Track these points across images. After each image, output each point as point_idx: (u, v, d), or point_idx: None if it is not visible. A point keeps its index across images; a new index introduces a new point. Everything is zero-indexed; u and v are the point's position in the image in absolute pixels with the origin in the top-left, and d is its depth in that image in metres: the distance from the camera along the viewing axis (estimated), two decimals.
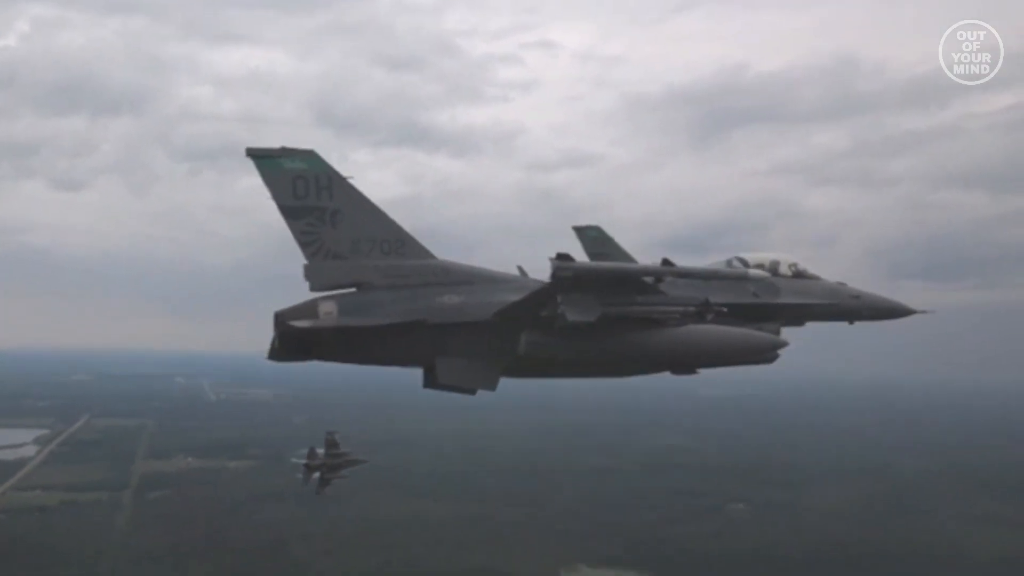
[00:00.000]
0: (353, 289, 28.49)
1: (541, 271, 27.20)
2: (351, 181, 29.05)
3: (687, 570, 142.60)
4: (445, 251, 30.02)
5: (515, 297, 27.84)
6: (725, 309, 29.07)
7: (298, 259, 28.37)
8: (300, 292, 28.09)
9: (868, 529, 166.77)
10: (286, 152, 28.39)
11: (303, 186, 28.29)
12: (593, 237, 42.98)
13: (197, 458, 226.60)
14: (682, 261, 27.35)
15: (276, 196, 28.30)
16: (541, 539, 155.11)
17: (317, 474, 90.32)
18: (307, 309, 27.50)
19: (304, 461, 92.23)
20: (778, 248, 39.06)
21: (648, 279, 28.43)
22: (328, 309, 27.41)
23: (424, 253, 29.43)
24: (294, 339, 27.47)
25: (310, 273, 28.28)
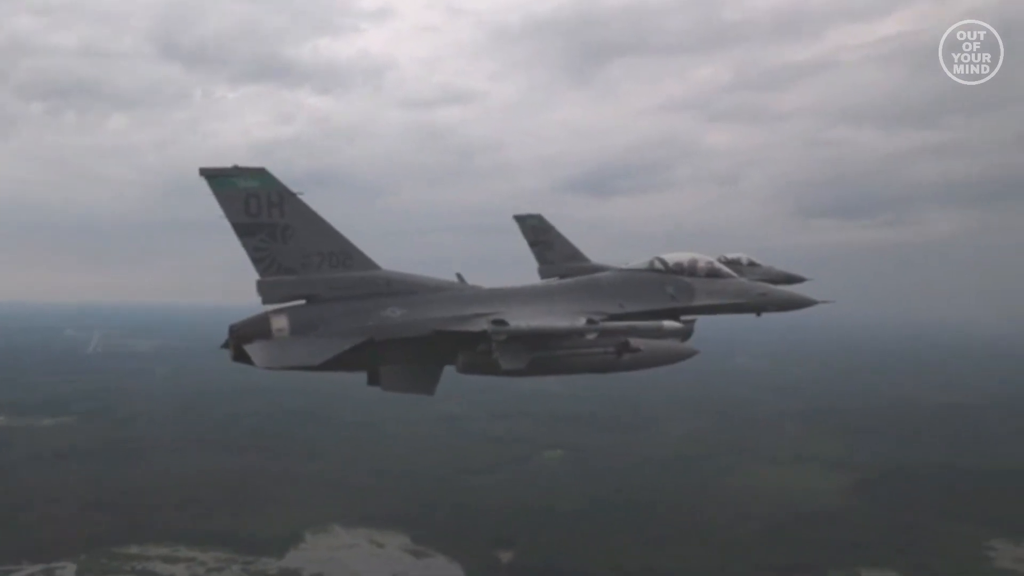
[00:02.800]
0: (303, 301, 30.14)
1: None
2: (301, 197, 30.21)
3: (454, 524, 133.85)
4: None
5: (454, 313, 30.54)
6: (641, 349, 31.00)
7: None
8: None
9: (671, 476, 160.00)
10: (239, 171, 29.51)
11: (255, 204, 29.65)
12: (533, 226, 46.73)
13: (12, 415, 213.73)
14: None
15: (230, 214, 29.47)
16: (309, 496, 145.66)
17: None
18: (260, 324, 29.27)
19: None
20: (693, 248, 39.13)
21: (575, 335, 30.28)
22: (280, 325, 29.13)
23: (369, 264, 31.21)
24: (246, 355, 28.91)
25: (263, 288, 29.87)
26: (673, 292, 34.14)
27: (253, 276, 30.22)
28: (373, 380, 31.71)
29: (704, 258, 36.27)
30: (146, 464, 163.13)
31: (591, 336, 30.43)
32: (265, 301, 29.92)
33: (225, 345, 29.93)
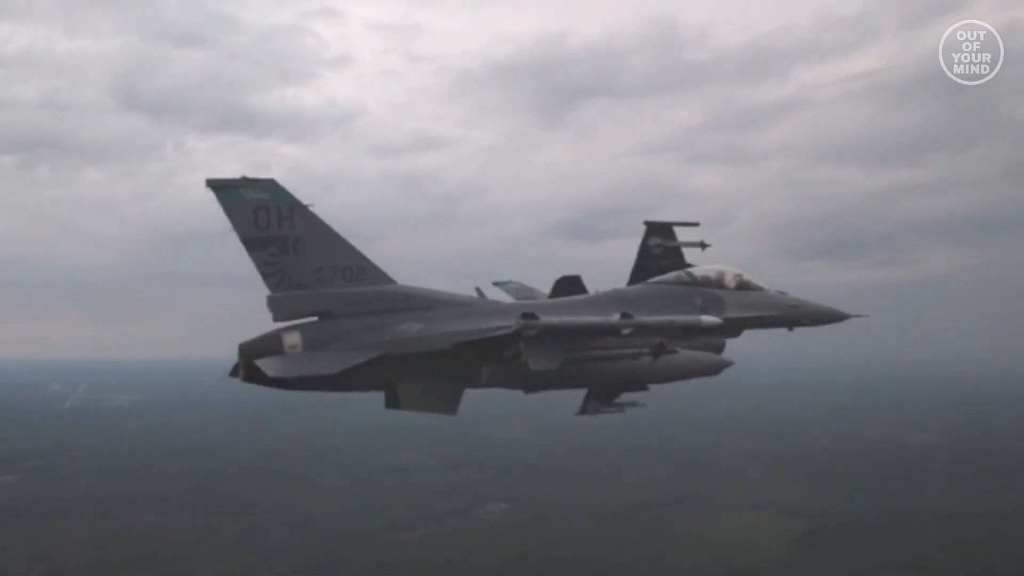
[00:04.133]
0: (315, 318, 28.86)
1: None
2: (312, 209, 29.08)
3: None
4: None
5: (473, 326, 28.85)
6: (677, 350, 29.97)
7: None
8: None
9: (611, 527, 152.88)
10: (247, 182, 28.43)
11: (265, 216, 28.53)
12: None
13: None
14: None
15: (238, 227, 28.43)
16: (221, 554, 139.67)
17: None
18: (271, 341, 28.01)
19: None
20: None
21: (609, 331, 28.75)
22: (292, 342, 27.88)
23: (384, 279, 29.87)
24: (257, 374, 27.62)
25: (274, 304, 28.69)
26: (702, 304, 32.76)
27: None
28: (391, 401, 30.43)
29: (732, 270, 34.82)
30: (66, 524, 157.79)
31: (626, 332, 28.47)
32: (276, 318, 28.80)
33: (234, 372, 28.60)
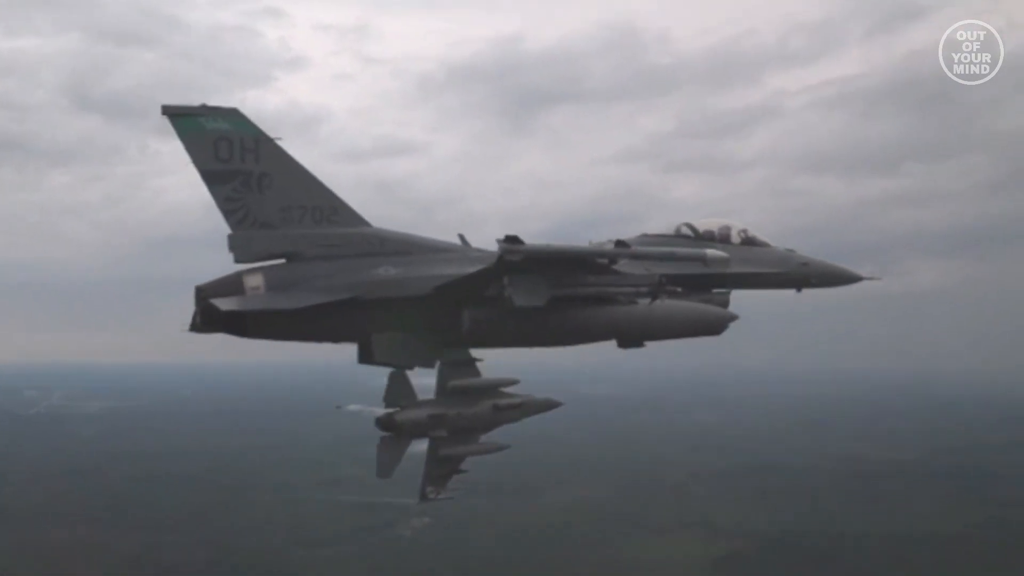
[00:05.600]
0: (282, 260, 26.57)
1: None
2: (279, 142, 26.97)
3: None
4: None
5: (456, 271, 26.32)
6: (680, 289, 27.62)
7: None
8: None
9: (532, 549, 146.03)
10: (207, 110, 26.29)
11: (227, 148, 26.37)
12: None
13: None
14: None
15: (196, 159, 26.23)
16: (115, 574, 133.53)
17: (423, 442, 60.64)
18: (231, 283, 25.72)
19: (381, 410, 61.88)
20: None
21: (602, 260, 26.26)
22: (255, 283, 25.61)
23: (358, 220, 27.78)
24: (215, 317, 25.20)
25: (235, 244, 26.38)
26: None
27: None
28: (365, 354, 27.99)
29: (738, 224, 32.87)
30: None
31: (621, 264, 26.32)
32: (238, 259, 26.43)
33: (194, 326, 26.25)
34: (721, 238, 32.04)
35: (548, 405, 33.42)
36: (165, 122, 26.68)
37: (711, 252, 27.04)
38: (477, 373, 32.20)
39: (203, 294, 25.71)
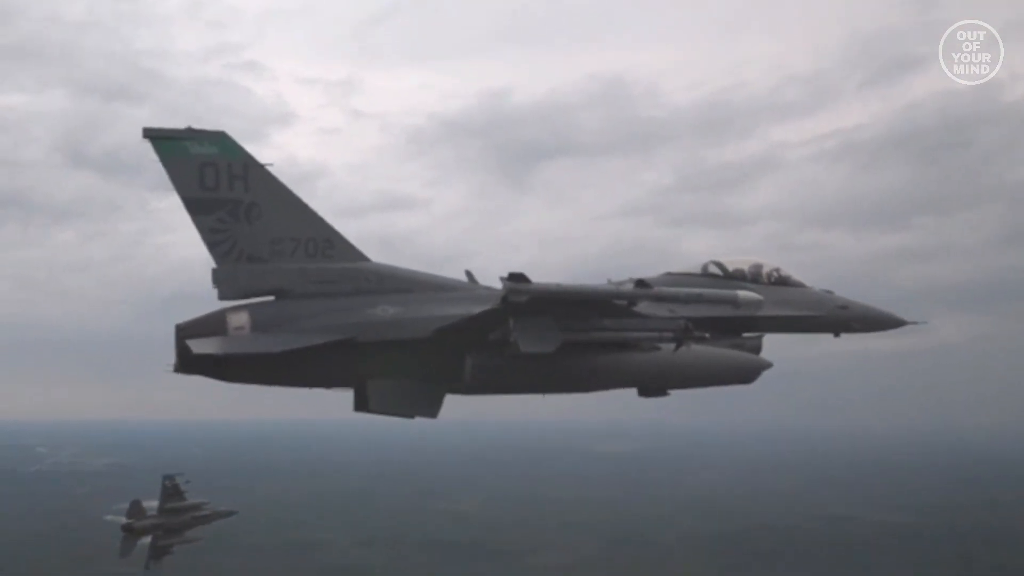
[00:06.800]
0: (271, 297, 24.85)
1: (491, 279, 24.81)
2: (269, 168, 25.02)
3: None
4: None
5: (460, 311, 24.29)
6: (707, 334, 25.19)
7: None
8: None
9: None
10: (193, 133, 24.30)
11: (213, 174, 24.32)
12: None
13: None
14: None
15: (179, 186, 24.21)
16: None
17: (148, 538, 63.47)
18: (213, 322, 23.93)
19: (124, 520, 63.67)
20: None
21: (620, 301, 23.87)
22: (239, 323, 23.77)
23: (356, 255, 25.70)
24: (196, 360, 23.26)
25: (220, 279, 24.48)
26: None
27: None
28: (360, 403, 26.16)
29: (770, 263, 30.78)
30: None
31: (642, 306, 23.87)
32: (222, 296, 24.69)
33: (178, 367, 24.40)
34: (752, 277, 29.90)
35: (228, 513, 32.28)
36: (158, 178, 24.81)
37: (743, 293, 25.04)
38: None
39: (183, 334, 23.83)
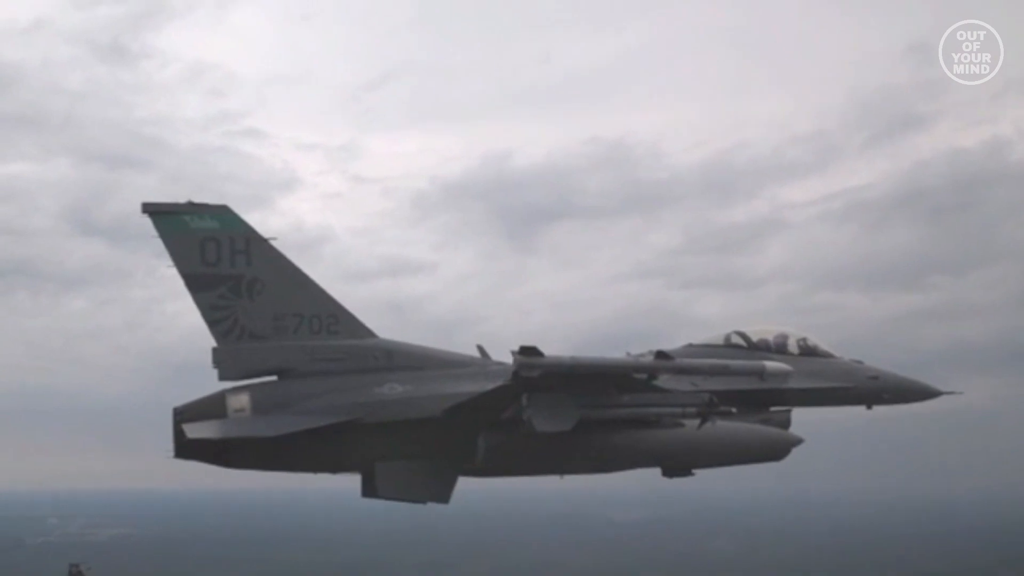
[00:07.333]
0: (274, 377, 24.35)
1: (504, 344, 22.65)
2: (273, 243, 24.64)
3: None
4: None
5: (471, 388, 23.56)
6: (734, 409, 24.28)
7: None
8: None
9: None
10: (194, 207, 23.83)
11: (214, 249, 23.84)
12: None
13: None
14: None
15: (179, 263, 23.89)
16: None
17: None
18: (213, 404, 23.48)
19: None
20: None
21: (639, 375, 22.56)
22: (239, 405, 23.27)
23: (363, 331, 25.39)
24: (193, 445, 22.71)
25: (221, 358, 24.02)
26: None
27: None
28: (368, 488, 25.17)
29: (796, 333, 29.87)
30: None
31: (663, 379, 22.69)
32: (223, 376, 24.25)
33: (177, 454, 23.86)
34: (777, 348, 29.24)
35: None
36: (164, 252, 24.63)
37: (771, 364, 24.67)
38: None
39: (179, 417, 23.50)
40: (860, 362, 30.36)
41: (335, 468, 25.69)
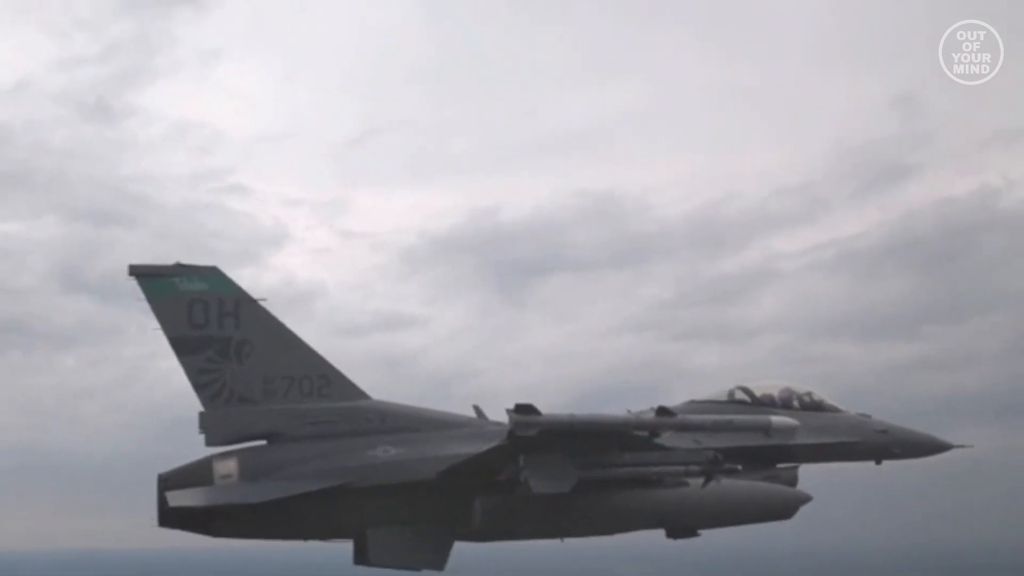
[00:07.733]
0: (263, 442, 23.42)
1: (499, 400, 23.27)
2: (263, 303, 24.05)
3: None
4: None
5: (466, 450, 22.74)
6: (739, 466, 23.37)
7: None
8: None
9: None
10: (182, 269, 23.41)
11: (202, 312, 23.40)
12: None
13: None
14: None
15: (166, 326, 23.31)
16: None
17: None
18: (199, 471, 22.55)
19: None
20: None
21: (640, 432, 22.28)
22: (226, 471, 22.35)
23: (355, 392, 24.61)
24: (176, 513, 21.85)
25: (208, 423, 23.12)
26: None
27: None
28: (360, 556, 24.13)
29: (801, 387, 29.24)
30: None
31: (665, 437, 22.25)
32: (210, 441, 23.24)
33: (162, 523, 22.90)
34: (782, 403, 28.33)
35: None
36: (151, 314, 24.00)
37: (777, 420, 23.88)
38: None
39: (163, 485, 22.55)
40: (867, 416, 29.66)
41: (325, 535, 25.00)
